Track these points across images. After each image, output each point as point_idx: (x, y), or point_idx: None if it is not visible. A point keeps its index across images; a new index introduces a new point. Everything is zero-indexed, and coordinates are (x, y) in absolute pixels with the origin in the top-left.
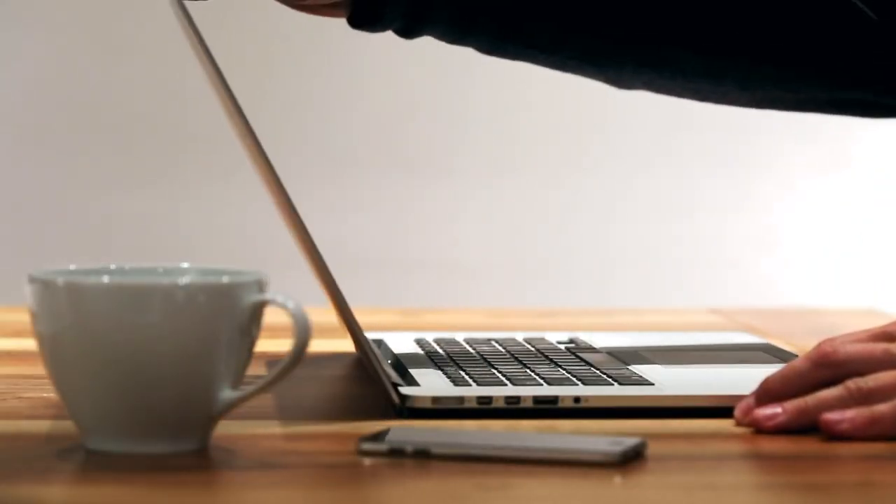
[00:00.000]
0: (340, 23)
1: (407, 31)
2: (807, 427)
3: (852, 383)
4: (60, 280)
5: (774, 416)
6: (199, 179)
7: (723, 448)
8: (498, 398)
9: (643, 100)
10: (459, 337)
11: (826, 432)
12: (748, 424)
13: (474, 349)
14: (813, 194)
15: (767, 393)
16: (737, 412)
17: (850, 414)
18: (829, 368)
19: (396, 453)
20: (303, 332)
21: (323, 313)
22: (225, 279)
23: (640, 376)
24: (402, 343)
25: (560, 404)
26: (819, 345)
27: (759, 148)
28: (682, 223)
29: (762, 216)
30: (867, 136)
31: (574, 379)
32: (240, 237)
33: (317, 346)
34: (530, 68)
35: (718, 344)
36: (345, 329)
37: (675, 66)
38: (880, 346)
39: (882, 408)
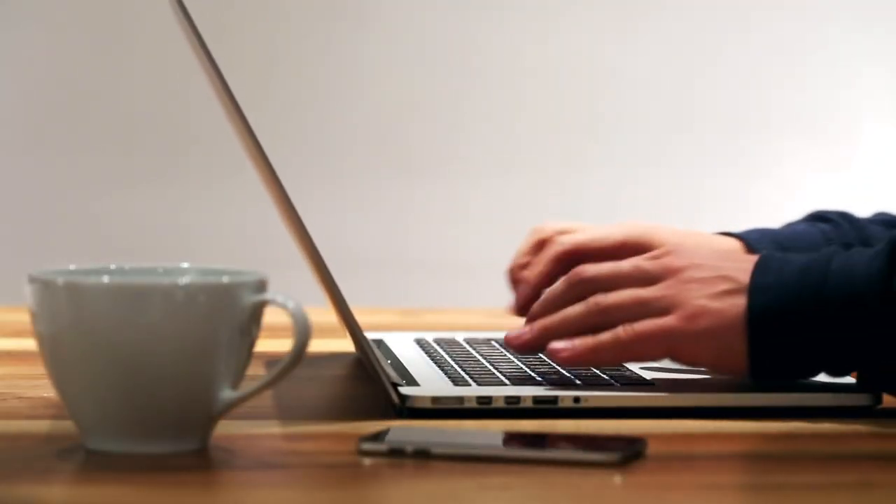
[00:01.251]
0: (339, 23)
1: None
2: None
3: (593, 299)
4: (60, 280)
5: (521, 335)
6: (199, 179)
7: (723, 448)
8: (498, 398)
9: (643, 100)
10: (459, 337)
11: (552, 358)
12: (515, 349)
13: (474, 349)
14: (813, 195)
15: (531, 316)
16: (507, 338)
17: (576, 342)
18: (580, 286)
19: (396, 453)
20: (303, 332)
21: (323, 313)
22: (225, 279)
23: (640, 377)
24: (402, 343)
25: (560, 404)
26: (577, 267)
27: (760, 148)
28: (682, 223)
29: (762, 216)
30: (868, 138)
31: (574, 379)
32: (240, 237)
33: (317, 346)
34: (530, 68)
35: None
36: (345, 329)
37: None
38: (630, 262)
39: (604, 336)
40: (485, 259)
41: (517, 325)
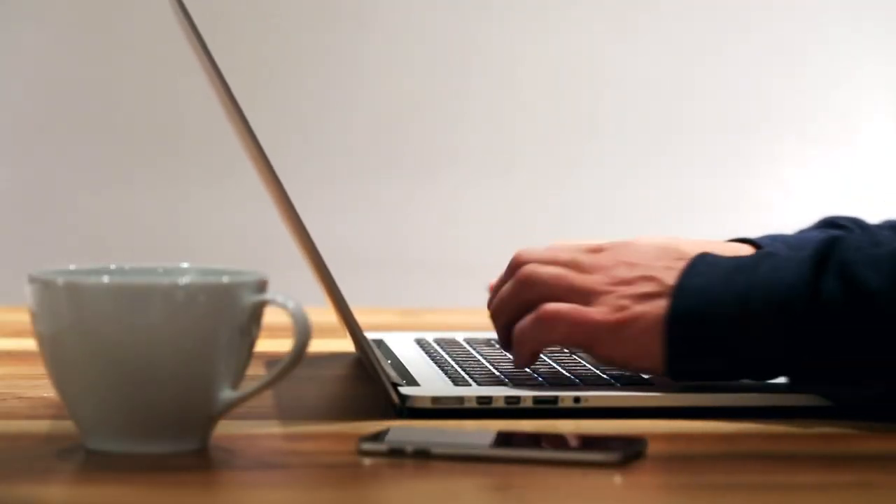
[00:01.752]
0: (339, 23)
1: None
2: (495, 323)
3: (523, 269)
4: (60, 280)
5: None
6: (199, 179)
7: (723, 448)
8: (498, 398)
9: (642, 101)
10: (459, 337)
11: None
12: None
13: (474, 349)
14: (811, 195)
15: (493, 319)
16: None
17: (519, 360)
18: (515, 267)
19: (396, 453)
20: (303, 332)
21: (323, 313)
22: (225, 279)
23: (640, 376)
24: (402, 343)
25: (560, 404)
26: (523, 268)
27: (759, 149)
28: (681, 223)
29: (760, 217)
30: (866, 138)
31: (574, 379)
32: (240, 237)
33: (317, 346)
34: (529, 69)
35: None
36: (345, 329)
37: None
38: (568, 253)
39: (524, 321)
40: (485, 259)
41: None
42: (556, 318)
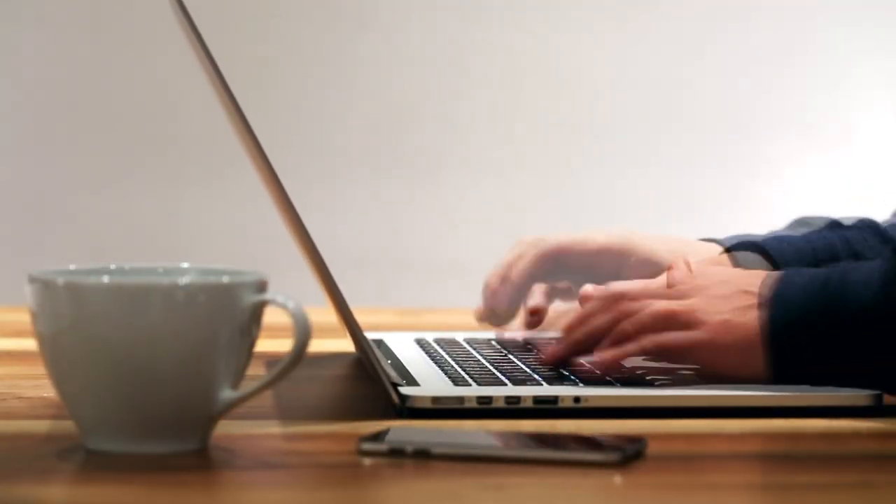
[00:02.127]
0: (338, 23)
1: None
2: (581, 354)
3: (618, 306)
4: (60, 280)
5: (554, 350)
6: (199, 179)
7: (723, 448)
8: (498, 398)
9: (639, 101)
10: (459, 337)
11: (598, 370)
12: (550, 364)
13: (474, 349)
14: (810, 194)
15: (566, 331)
16: (545, 355)
17: (605, 354)
18: (610, 301)
19: (396, 453)
20: (303, 332)
21: (323, 313)
22: (225, 279)
23: (640, 376)
24: (402, 343)
25: (560, 404)
26: (620, 301)
27: (757, 149)
28: (680, 222)
29: (759, 216)
30: (863, 137)
31: (574, 379)
32: (240, 237)
33: (317, 346)
34: (528, 68)
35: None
36: (345, 329)
37: None
38: (658, 280)
39: (629, 346)
40: (485, 259)
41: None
42: (660, 350)
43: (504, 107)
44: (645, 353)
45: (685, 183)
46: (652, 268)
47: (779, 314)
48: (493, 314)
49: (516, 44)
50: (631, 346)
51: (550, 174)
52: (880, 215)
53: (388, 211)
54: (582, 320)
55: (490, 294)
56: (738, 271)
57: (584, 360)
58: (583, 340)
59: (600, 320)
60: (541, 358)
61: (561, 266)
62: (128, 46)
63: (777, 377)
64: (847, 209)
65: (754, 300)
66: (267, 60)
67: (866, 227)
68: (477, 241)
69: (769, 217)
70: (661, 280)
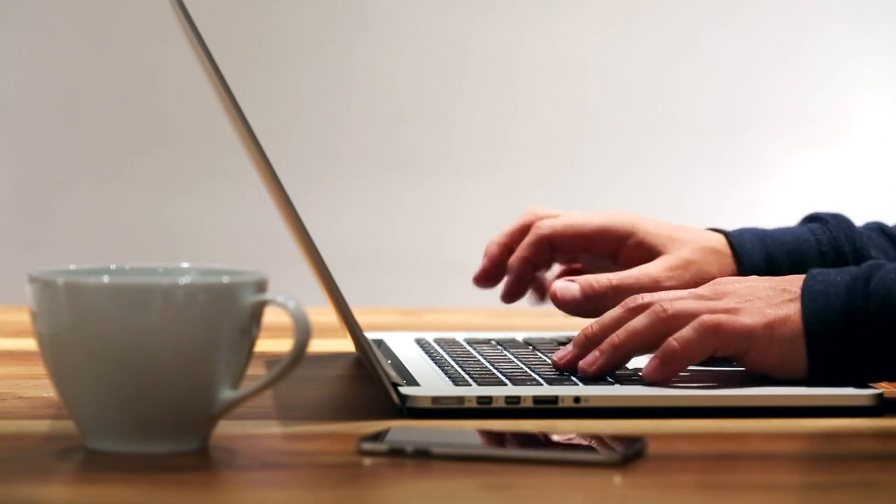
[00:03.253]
0: (337, 24)
1: None
2: (624, 361)
3: (658, 306)
4: (60, 280)
5: (595, 360)
6: (200, 179)
7: (723, 448)
8: (498, 398)
9: (635, 99)
10: (459, 337)
11: (647, 381)
12: (563, 370)
13: (474, 349)
14: (809, 194)
15: (588, 339)
16: (555, 357)
17: (658, 353)
18: (638, 311)
19: (396, 453)
20: (303, 332)
21: (323, 313)
22: (225, 279)
23: (640, 376)
24: (402, 343)
25: (560, 404)
26: (656, 304)
27: (755, 147)
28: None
29: (757, 215)
30: (864, 136)
31: (574, 379)
32: (240, 237)
33: (317, 346)
34: (527, 67)
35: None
36: (345, 329)
37: None
38: (687, 291)
39: (685, 332)
40: None
41: (518, 325)
42: (716, 327)
43: (504, 106)
44: (704, 329)
45: (684, 180)
46: (648, 250)
47: (815, 307)
48: (487, 282)
49: (515, 43)
50: (685, 333)
51: (550, 173)
52: (881, 213)
53: (388, 211)
54: (605, 328)
55: (488, 260)
56: (763, 277)
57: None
58: (623, 344)
59: (638, 322)
60: (559, 364)
61: (558, 249)
62: (128, 46)
63: (814, 372)
64: (847, 207)
65: (791, 294)
66: (266, 60)
67: (874, 227)
68: (477, 241)
69: (768, 214)
70: (689, 290)
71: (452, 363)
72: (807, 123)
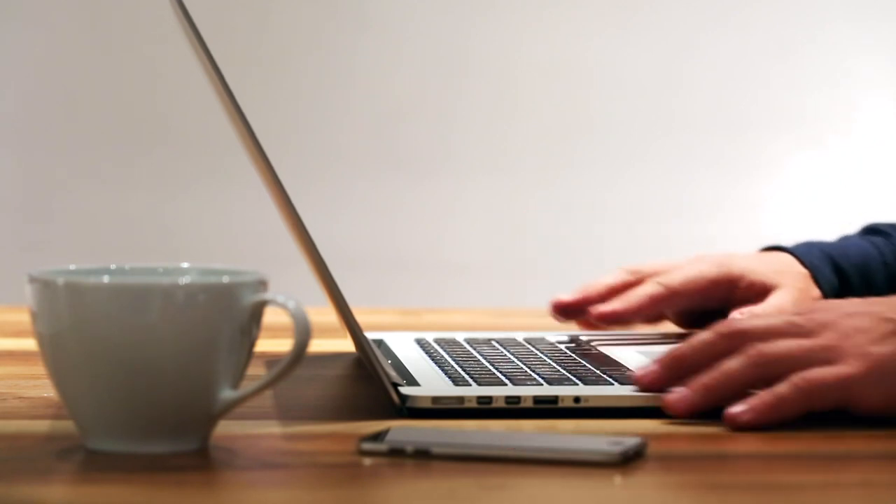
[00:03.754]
0: (337, 24)
1: None
2: (716, 405)
3: (753, 349)
4: (60, 280)
5: (683, 397)
6: (200, 179)
7: (723, 448)
8: (498, 398)
9: (635, 99)
10: (459, 337)
11: (731, 426)
12: (645, 389)
13: (474, 349)
14: (807, 194)
15: (677, 361)
16: (638, 375)
17: (754, 403)
18: (734, 339)
19: (396, 453)
20: (303, 332)
21: (323, 313)
22: (225, 279)
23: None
24: (402, 343)
25: (560, 404)
26: (727, 319)
27: (755, 148)
28: (679, 221)
29: (757, 215)
30: (864, 136)
31: (574, 379)
32: (240, 237)
33: (317, 346)
34: (527, 67)
35: None
36: (345, 329)
37: None
38: (783, 318)
39: (782, 389)
40: (485, 259)
41: (518, 325)
42: (815, 389)
43: (504, 106)
44: (801, 393)
45: (684, 180)
46: (762, 288)
47: None
48: (566, 314)
49: (515, 43)
50: (784, 390)
51: (550, 173)
52: (881, 213)
53: (388, 211)
54: (697, 355)
55: (583, 299)
56: (861, 301)
57: (735, 411)
58: (716, 386)
59: (733, 364)
60: (642, 382)
61: (671, 305)
62: (128, 46)
63: None
64: (847, 207)
65: (893, 326)
66: (266, 60)
67: None
68: (477, 241)
69: (768, 214)
70: (786, 318)
71: (452, 363)
72: (807, 123)
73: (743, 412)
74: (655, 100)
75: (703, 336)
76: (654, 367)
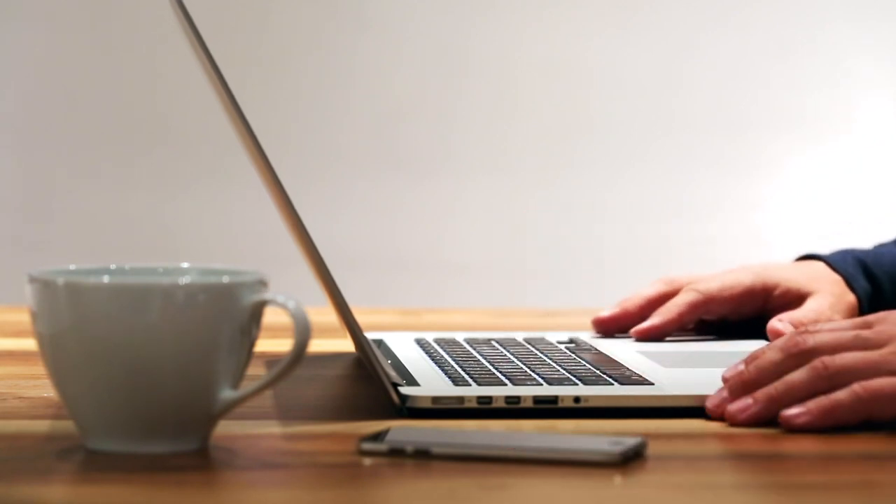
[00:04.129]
0: (337, 24)
1: None
2: (777, 413)
3: (818, 361)
4: (60, 280)
5: (747, 407)
6: (199, 179)
7: (723, 448)
8: (498, 398)
9: (634, 99)
10: (459, 337)
11: (786, 427)
12: (720, 417)
13: (474, 349)
14: (807, 194)
15: (743, 385)
16: (709, 404)
17: (811, 405)
18: (800, 356)
19: (396, 453)
20: (303, 332)
21: (323, 313)
22: (225, 279)
23: (640, 376)
24: (402, 343)
25: (560, 404)
26: (791, 335)
27: (754, 148)
28: (678, 221)
29: (757, 215)
30: (864, 135)
31: (574, 379)
32: (240, 237)
33: (317, 346)
34: (527, 67)
35: (717, 342)
36: (345, 329)
37: None
38: (850, 333)
39: (840, 395)
40: (485, 259)
41: (518, 325)
42: (875, 398)
43: (504, 106)
44: (859, 401)
45: (684, 180)
46: (796, 296)
47: None
48: (608, 327)
49: (515, 43)
50: (842, 396)
51: (550, 173)
52: (881, 213)
53: (388, 211)
54: (763, 373)
55: (622, 314)
56: None
57: (791, 412)
58: (780, 398)
59: (798, 376)
60: (716, 413)
61: (708, 312)
62: (128, 46)
63: None
64: (847, 207)
65: None
66: (266, 60)
67: None
68: (477, 241)
69: (768, 214)
70: (853, 332)
71: (452, 363)
72: (807, 123)
73: (799, 414)
74: (655, 100)
75: (769, 355)
76: (724, 396)
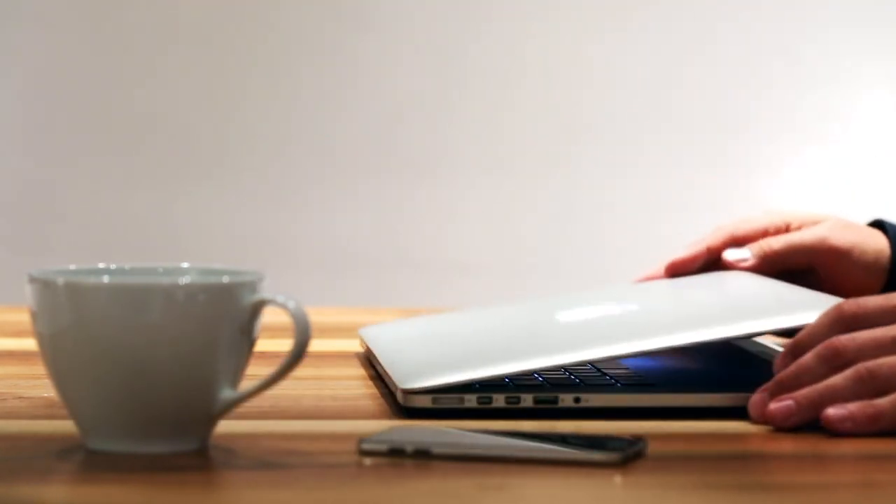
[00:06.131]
0: (337, 24)
1: None
2: (816, 416)
3: (861, 366)
4: (60, 280)
5: (788, 412)
6: (199, 179)
7: (723, 448)
8: (498, 398)
9: (634, 100)
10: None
11: (829, 429)
12: (763, 422)
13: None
14: (807, 194)
15: (783, 388)
16: (751, 409)
17: (852, 408)
18: (837, 359)
19: (396, 453)
20: (303, 332)
21: (323, 313)
22: (225, 279)
23: (641, 376)
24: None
25: (560, 404)
26: (830, 340)
27: (754, 148)
28: (678, 221)
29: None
30: (864, 135)
31: (574, 379)
32: (239, 237)
33: (317, 346)
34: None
35: (717, 342)
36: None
37: None
38: (890, 335)
39: (883, 402)
40: (485, 259)
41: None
42: None
43: (504, 106)
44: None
45: (684, 180)
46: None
47: None
48: (681, 269)
49: (515, 43)
50: (885, 403)
51: (550, 173)
52: (881, 213)
53: (388, 211)
54: (801, 376)
55: (693, 257)
56: None
57: (834, 415)
58: (821, 402)
59: (839, 380)
60: (771, 420)
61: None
62: (128, 46)
63: None
64: (847, 207)
65: None
66: (267, 60)
67: None
68: (477, 241)
69: None
70: (893, 333)
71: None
72: (807, 123)
73: (844, 420)
74: (655, 100)
75: (809, 361)
76: (761, 395)
